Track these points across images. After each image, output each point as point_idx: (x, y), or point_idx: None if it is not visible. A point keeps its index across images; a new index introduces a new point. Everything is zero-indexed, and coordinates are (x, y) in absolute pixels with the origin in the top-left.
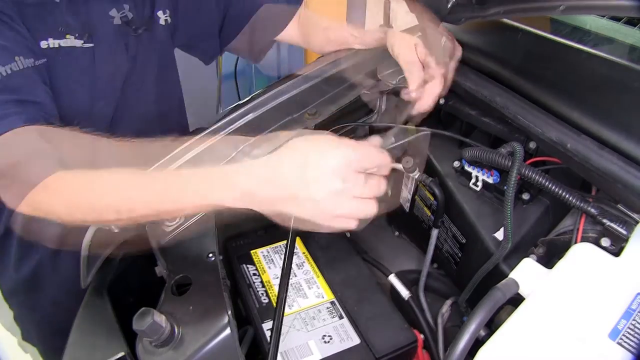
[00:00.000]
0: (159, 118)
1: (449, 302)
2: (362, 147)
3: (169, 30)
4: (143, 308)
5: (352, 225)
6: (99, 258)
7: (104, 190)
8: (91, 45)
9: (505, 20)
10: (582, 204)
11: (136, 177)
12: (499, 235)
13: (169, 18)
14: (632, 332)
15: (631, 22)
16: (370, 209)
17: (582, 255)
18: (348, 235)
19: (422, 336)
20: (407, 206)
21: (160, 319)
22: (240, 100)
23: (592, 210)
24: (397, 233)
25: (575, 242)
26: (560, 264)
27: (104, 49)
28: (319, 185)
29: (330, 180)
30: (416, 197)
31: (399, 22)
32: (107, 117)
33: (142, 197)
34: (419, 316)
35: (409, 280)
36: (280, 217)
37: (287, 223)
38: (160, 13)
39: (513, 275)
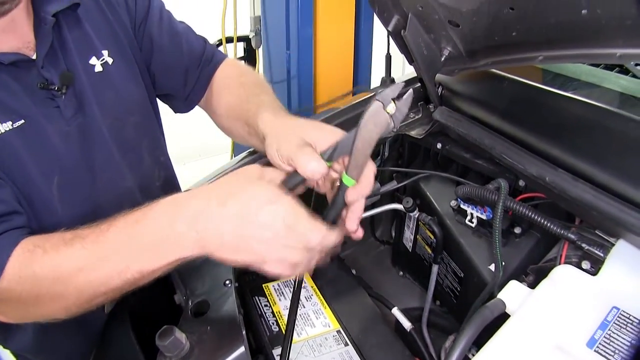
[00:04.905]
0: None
1: (451, 337)
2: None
3: (116, 72)
4: (165, 326)
5: (286, 271)
6: None
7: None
8: (21, 122)
9: (494, 70)
10: (562, 231)
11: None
12: (494, 267)
13: (109, 59)
14: (607, 341)
15: (609, 66)
16: (301, 257)
17: (563, 275)
18: (354, 272)
19: None
20: (409, 246)
21: (181, 336)
22: None
23: (572, 236)
24: (401, 273)
25: None
26: (543, 284)
27: (36, 120)
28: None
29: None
30: (418, 236)
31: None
32: (75, 189)
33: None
34: (422, 349)
35: (413, 317)
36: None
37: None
38: (93, 59)
39: (500, 295)
